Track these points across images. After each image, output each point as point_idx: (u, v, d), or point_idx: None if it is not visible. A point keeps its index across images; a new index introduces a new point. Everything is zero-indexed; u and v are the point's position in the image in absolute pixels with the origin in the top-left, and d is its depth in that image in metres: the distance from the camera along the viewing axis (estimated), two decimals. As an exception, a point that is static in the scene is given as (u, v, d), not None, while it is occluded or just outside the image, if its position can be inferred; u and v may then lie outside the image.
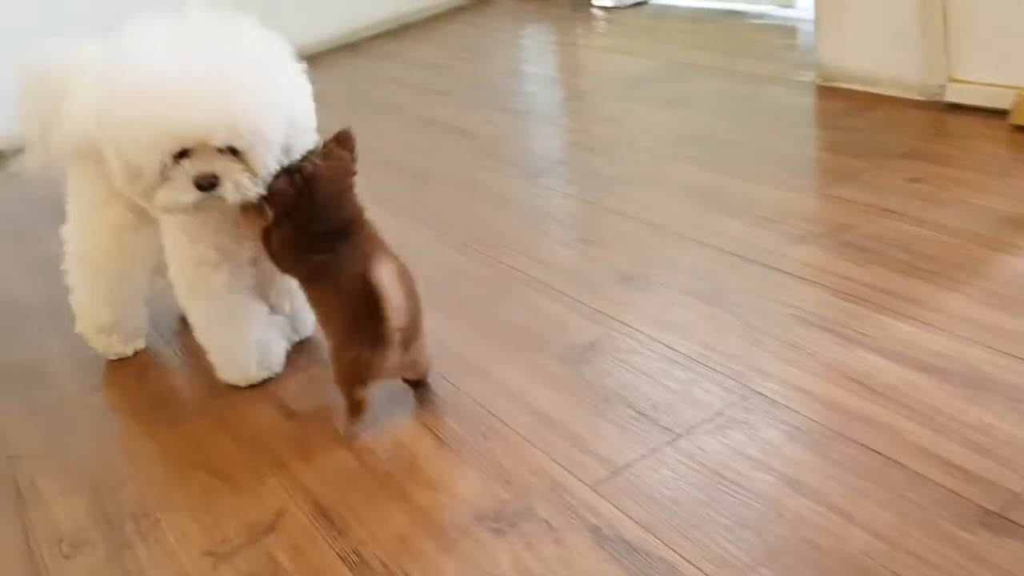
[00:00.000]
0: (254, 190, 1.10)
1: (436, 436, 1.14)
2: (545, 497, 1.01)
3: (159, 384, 1.36)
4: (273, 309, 1.34)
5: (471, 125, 2.18)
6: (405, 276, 1.14)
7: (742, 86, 2.13)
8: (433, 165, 1.98)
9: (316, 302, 1.19)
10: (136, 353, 1.44)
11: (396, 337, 1.10)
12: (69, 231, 1.38)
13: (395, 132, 2.21)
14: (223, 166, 1.07)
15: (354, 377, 1.13)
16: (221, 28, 1.11)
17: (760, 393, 1.11)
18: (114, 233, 1.34)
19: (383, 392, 1.23)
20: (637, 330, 1.28)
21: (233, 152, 1.07)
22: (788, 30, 2.48)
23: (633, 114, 2.09)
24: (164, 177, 1.07)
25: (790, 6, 2.62)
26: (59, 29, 1.35)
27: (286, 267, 1.21)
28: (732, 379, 1.14)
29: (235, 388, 1.30)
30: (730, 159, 1.75)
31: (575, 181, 1.79)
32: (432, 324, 1.37)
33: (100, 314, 1.40)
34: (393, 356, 1.12)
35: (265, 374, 1.30)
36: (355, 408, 1.16)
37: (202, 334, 1.29)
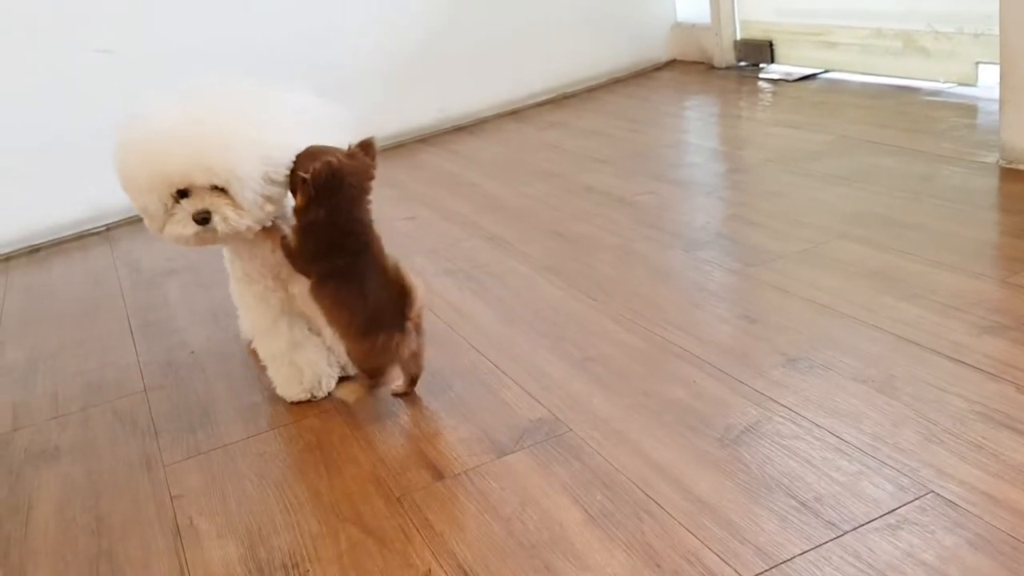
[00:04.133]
0: (240, 221, 1.30)
1: (585, 510, 1.11)
2: (698, 586, 0.97)
3: (315, 434, 1.39)
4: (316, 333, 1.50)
5: (631, 194, 2.17)
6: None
7: (918, 165, 2.04)
8: (592, 233, 1.97)
9: (337, 302, 1.32)
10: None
11: (414, 325, 1.33)
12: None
13: (554, 198, 2.22)
14: (213, 202, 1.29)
15: (387, 358, 1.33)
16: (229, 90, 1.34)
17: (937, 493, 1.03)
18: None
19: (531, 460, 1.21)
20: (801, 415, 1.22)
21: (223, 190, 1.29)
22: (968, 108, 2.37)
23: (800, 189, 2.03)
24: (169, 214, 1.31)
25: (971, 84, 2.51)
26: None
27: (306, 263, 1.33)
28: (906, 476, 1.07)
29: (387, 445, 1.32)
30: (905, 240, 1.67)
31: (737, 255, 1.74)
32: (586, 395, 1.36)
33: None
34: (414, 341, 1.34)
35: (303, 396, 1.47)
36: (377, 388, 1.38)
37: (257, 346, 1.51)
